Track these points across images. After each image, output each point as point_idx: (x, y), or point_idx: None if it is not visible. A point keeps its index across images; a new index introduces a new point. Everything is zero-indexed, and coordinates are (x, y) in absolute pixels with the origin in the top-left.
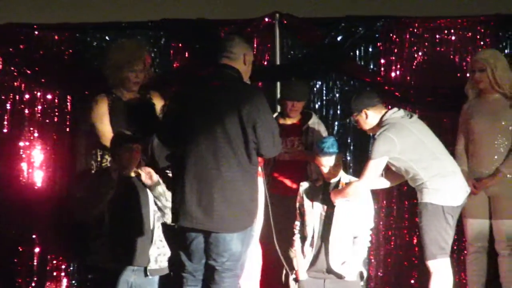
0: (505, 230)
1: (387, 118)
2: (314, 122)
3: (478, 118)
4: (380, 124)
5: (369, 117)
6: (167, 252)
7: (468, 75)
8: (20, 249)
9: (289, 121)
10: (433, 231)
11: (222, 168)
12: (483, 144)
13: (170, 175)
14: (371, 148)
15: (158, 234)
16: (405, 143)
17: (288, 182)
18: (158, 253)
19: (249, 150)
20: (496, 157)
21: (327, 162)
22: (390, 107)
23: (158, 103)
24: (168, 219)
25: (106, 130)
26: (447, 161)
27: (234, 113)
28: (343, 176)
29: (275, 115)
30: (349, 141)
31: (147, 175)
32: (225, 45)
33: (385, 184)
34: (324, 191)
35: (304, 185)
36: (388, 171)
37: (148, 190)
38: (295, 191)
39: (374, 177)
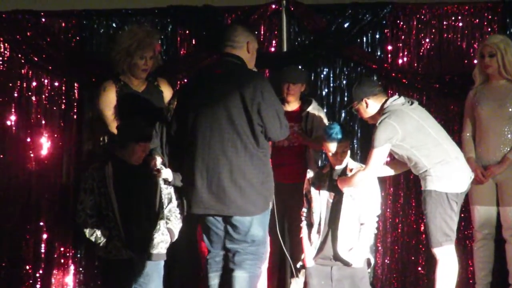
0: None
1: (388, 106)
2: (314, 108)
3: (485, 105)
4: (381, 112)
5: (370, 106)
6: (168, 240)
7: (475, 61)
8: (28, 237)
9: (289, 108)
10: (438, 219)
11: (229, 154)
12: (490, 131)
13: None
14: (373, 136)
15: (162, 221)
16: (407, 129)
17: (285, 169)
18: (161, 240)
19: (255, 134)
20: (503, 144)
21: (334, 148)
22: (391, 93)
23: (166, 90)
24: (174, 206)
25: (113, 117)
26: (449, 147)
27: (237, 99)
28: (350, 162)
29: None
30: (356, 128)
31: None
32: (228, 34)
33: (389, 172)
34: (331, 178)
35: (311, 172)
36: (393, 159)
37: (154, 177)
38: (292, 178)
39: (378, 165)
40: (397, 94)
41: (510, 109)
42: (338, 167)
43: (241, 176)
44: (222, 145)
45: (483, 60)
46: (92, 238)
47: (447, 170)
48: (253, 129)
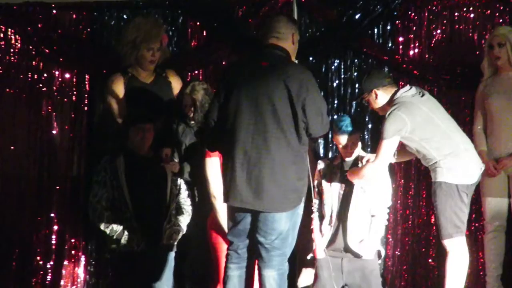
0: None
1: (398, 97)
2: None
3: (495, 97)
4: (391, 103)
5: (379, 97)
6: (179, 231)
7: (485, 52)
8: (39, 229)
9: None
10: (448, 210)
11: (272, 149)
12: (501, 123)
13: None
14: (382, 128)
15: (173, 212)
16: (416, 121)
17: None
18: (173, 231)
19: (299, 130)
20: None
21: (344, 141)
22: (402, 85)
23: (174, 81)
24: (184, 197)
25: (121, 110)
26: (459, 139)
27: (283, 93)
28: (361, 154)
29: None
30: (366, 119)
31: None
32: (273, 25)
33: (393, 159)
34: (342, 170)
35: (322, 163)
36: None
37: (165, 168)
38: None
39: (388, 157)
40: (408, 85)
41: None
42: (349, 159)
43: (282, 172)
44: (265, 139)
45: (492, 51)
46: (107, 231)
47: (457, 162)
48: (297, 125)
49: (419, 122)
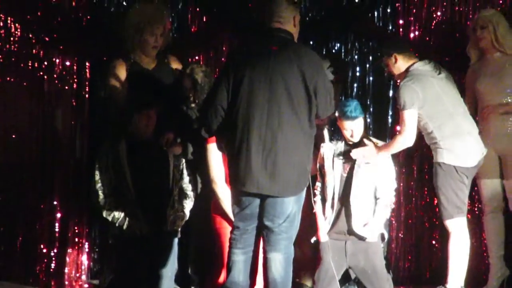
0: None
1: (414, 69)
2: None
3: (482, 79)
4: (407, 73)
5: (398, 62)
6: (182, 217)
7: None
8: (42, 216)
9: None
10: (449, 191)
11: (286, 133)
12: (494, 106)
13: None
14: (398, 100)
15: (176, 197)
16: (427, 97)
17: None
18: (175, 217)
19: (311, 115)
20: (506, 115)
21: (349, 126)
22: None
23: (176, 67)
24: (186, 182)
25: (123, 95)
26: (463, 121)
27: (297, 77)
28: (364, 138)
29: None
30: (368, 102)
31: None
32: (274, 10)
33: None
34: (345, 152)
35: (325, 146)
36: None
37: (167, 153)
38: None
39: (413, 127)
40: (427, 59)
41: (508, 82)
42: (352, 143)
43: (296, 156)
44: (280, 123)
45: (476, 34)
46: (110, 218)
47: (457, 144)
48: (310, 108)
49: (428, 98)
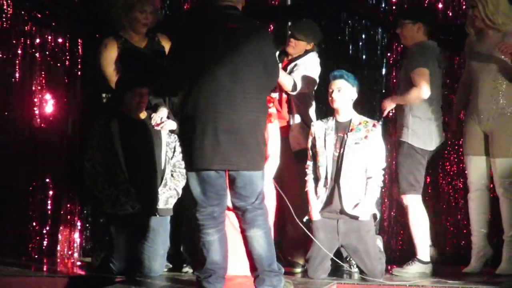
0: (497, 168)
1: (430, 42)
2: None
3: (473, 56)
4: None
5: (420, 32)
6: (175, 195)
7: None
8: (34, 194)
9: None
10: (406, 168)
11: (251, 110)
12: (479, 82)
13: None
14: (412, 59)
15: (169, 175)
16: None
17: None
18: (169, 195)
19: (268, 93)
20: (496, 93)
21: (331, 86)
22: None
23: (167, 46)
24: (179, 160)
25: (115, 74)
26: (436, 108)
27: (259, 56)
28: (354, 117)
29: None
30: (360, 81)
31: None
32: None
33: None
34: (336, 131)
35: (316, 124)
36: None
37: (159, 132)
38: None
39: (428, 84)
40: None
41: (498, 60)
42: (343, 120)
43: (259, 131)
44: (245, 101)
45: (468, 13)
46: (102, 196)
47: (424, 128)
48: (272, 85)
49: (431, 73)
